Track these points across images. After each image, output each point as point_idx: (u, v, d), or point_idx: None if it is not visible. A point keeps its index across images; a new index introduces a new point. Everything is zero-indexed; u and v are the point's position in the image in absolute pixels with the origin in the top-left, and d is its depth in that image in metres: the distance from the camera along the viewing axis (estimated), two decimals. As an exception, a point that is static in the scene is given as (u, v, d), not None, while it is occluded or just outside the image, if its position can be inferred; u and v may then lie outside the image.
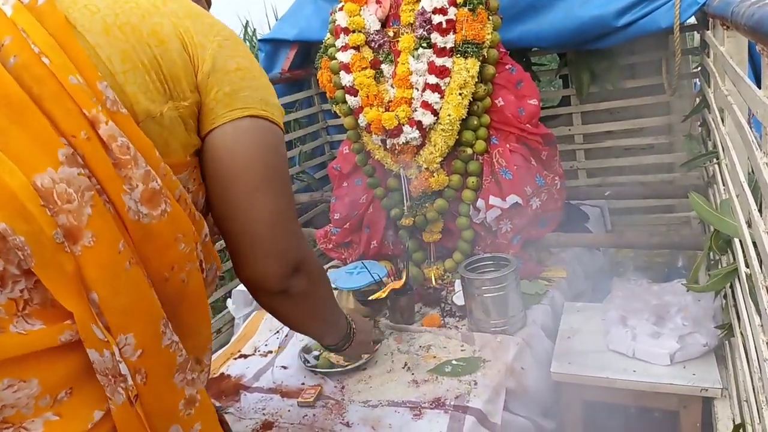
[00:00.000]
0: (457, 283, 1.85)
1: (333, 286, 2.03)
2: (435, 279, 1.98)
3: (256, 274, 0.79)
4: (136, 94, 0.69)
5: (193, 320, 0.75)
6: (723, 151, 1.46)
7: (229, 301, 2.25)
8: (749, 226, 1.02)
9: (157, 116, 0.70)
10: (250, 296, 2.10)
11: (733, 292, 1.26)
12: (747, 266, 1.02)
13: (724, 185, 1.41)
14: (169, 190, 0.69)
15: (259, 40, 2.91)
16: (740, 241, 1.11)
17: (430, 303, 1.91)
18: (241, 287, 2.15)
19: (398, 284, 1.78)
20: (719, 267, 1.37)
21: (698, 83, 2.24)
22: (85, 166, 0.62)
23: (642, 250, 2.26)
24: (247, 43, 5.45)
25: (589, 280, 2.12)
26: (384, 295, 1.78)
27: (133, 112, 0.68)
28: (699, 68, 2.18)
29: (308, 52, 2.76)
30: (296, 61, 2.78)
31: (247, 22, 5.58)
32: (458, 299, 1.80)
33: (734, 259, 1.19)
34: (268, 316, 1.99)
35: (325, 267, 2.27)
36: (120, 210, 0.64)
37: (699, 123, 2.21)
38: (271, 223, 0.76)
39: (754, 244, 0.95)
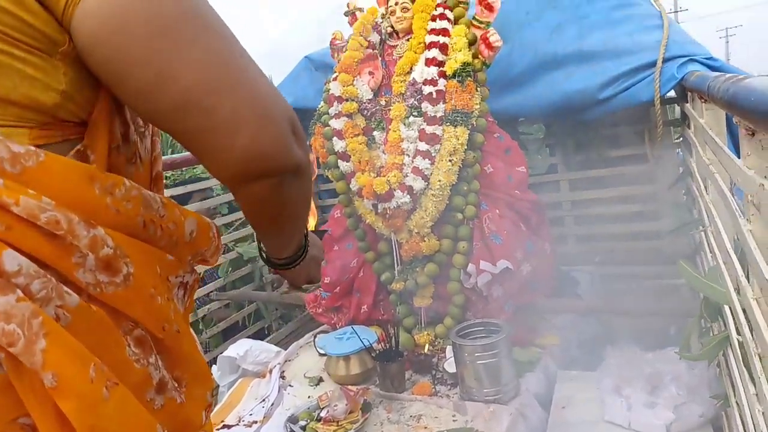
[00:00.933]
0: (449, 349, 1.82)
1: (322, 351, 1.99)
2: (426, 345, 1.94)
3: (250, 149, 0.53)
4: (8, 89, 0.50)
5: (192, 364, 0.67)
6: (708, 218, 1.48)
7: (213, 368, 2.18)
8: (738, 293, 1.02)
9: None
10: (236, 363, 2.05)
11: (726, 360, 1.24)
12: (739, 333, 1.01)
13: (711, 252, 1.42)
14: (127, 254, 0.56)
15: None
16: (730, 308, 1.11)
17: (420, 370, 1.87)
18: (227, 353, 2.10)
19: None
20: (711, 334, 1.36)
21: (681, 153, 2.32)
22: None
23: (634, 317, 2.25)
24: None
25: (582, 348, 2.09)
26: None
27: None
28: (681, 138, 2.26)
29: (302, 119, 2.82)
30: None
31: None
32: (450, 366, 1.77)
33: (726, 326, 1.19)
34: (255, 382, 1.93)
35: (315, 332, 2.23)
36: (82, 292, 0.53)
37: (684, 191, 2.26)
38: (221, 78, 0.52)
39: (744, 311, 0.95)
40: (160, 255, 0.61)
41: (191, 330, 0.71)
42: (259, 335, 2.68)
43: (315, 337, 2.14)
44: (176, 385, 0.63)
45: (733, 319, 1.07)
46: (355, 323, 2.04)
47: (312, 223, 1.43)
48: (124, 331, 0.58)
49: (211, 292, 2.49)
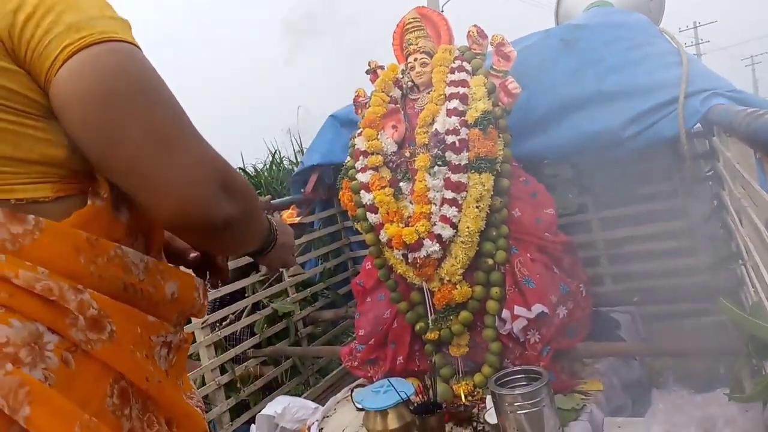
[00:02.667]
0: (488, 399, 1.77)
1: (359, 406, 1.97)
2: (465, 395, 1.90)
3: (177, 209, 0.62)
4: None
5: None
6: (746, 252, 1.45)
7: (252, 427, 2.18)
8: (784, 329, 0.99)
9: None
10: (274, 421, 2.04)
11: (781, 400, 1.19)
12: (789, 372, 0.97)
13: (753, 287, 1.38)
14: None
15: (292, 180, 3.11)
16: (778, 345, 1.07)
17: (461, 422, 1.83)
18: (265, 411, 2.10)
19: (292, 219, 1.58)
20: (763, 373, 1.30)
21: (713, 186, 2.28)
22: (8, 344, 0.57)
23: (680, 358, 2.16)
24: (275, 169, 5.76)
25: (628, 392, 2.01)
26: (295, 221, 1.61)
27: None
28: (711, 172, 2.23)
29: (331, 174, 2.90)
30: (320, 182, 2.92)
31: (276, 150, 5.94)
32: (490, 417, 1.72)
33: (776, 364, 1.14)
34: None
35: (351, 386, 2.21)
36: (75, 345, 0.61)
37: (720, 225, 2.21)
38: (157, 148, 0.60)
39: (792, 348, 0.92)
40: (141, 316, 0.69)
41: (178, 383, 0.77)
42: (297, 391, 2.67)
43: (352, 391, 2.11)
44: (164, 428, 0.70)
45: (783, 356, 1.03)
46: (391, 375, 2.01)
47: (290, 217, 1.46)
48: (113, 381, 0.65)
49: (248, 349, 2.50)
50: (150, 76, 0.63)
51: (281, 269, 1.05)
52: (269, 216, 0.89)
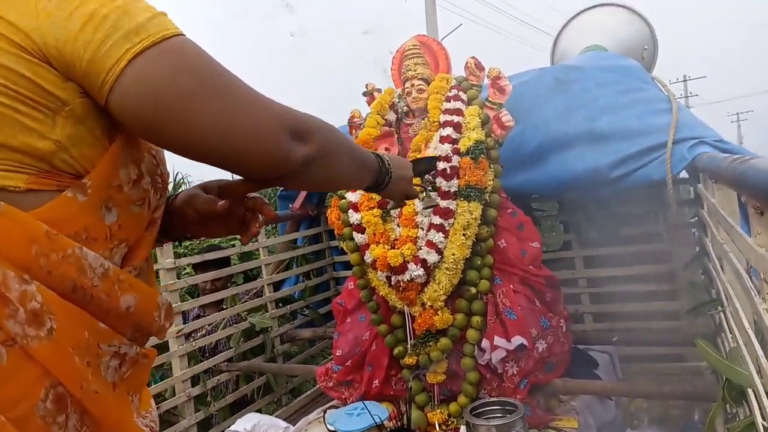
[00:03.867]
0: (463, 429, 1.75)
1: (331, 428, 1.94)
2: (439, 424, 1.88)
3: (260, 165, 0.70)
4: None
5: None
6: (726, 298, 1.46)
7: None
8: (760, 375, 0.99)
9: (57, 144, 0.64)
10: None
11: (754, 448, 1.18)
12: (764, 419, 0.98)
13: (731, 333, 1.39)
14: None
15: (279, 195, 3.11)
16: (754, 391, 1.07)
17: (432, 451, 1.80)
18: (234, 427, 2.05)
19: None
20: (737, 420, 1.31)
21: (696, 232, 2.31)
22: None
23: (655, 401, 2.16)
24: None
25: (602, 432, 2.00)
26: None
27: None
28: (695, 218, 2.26)
29: (320, 192, 2.90)
30: (308, 200, 2.92)
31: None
32: (463, 448, 1.70)
33: (750, 411, 1.14)
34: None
35: (325, 407, 2.17)
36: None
37: (701, 271, 2.23)
38: (230, 123, 0.66)
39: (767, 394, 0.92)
40: (90, 321, 0.67)
41: (128, 399, 0.73)
42: (268, 409, 2.62)
43: (325, 412, 2.08)
44: None
45: (758, 403, 1.04)
46: (366, 398, 1.98)
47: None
48: (50, 385, 0.62)
49: (221, 363, 2.45)
50: (205, 61, 0.67)
51: (404, 202, 1.08)
52: (379, 153, 0.95)
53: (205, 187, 0.88)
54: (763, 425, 1.00)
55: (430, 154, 1.93)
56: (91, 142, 0.67)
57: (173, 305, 2.15)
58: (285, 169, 0.72)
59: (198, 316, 2.65)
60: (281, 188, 3.09)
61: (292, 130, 0.72)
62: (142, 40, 0.63)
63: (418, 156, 1.98)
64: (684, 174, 2.12)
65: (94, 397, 0.65)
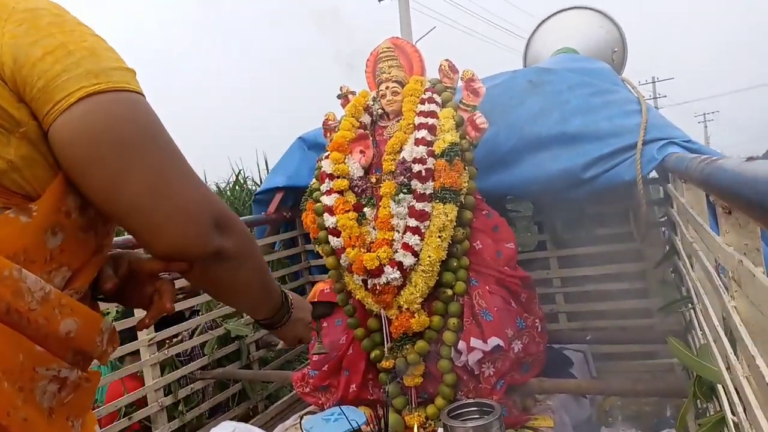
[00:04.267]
0: (440, 431, 1.75)
1: (308, 434, 1.92)
2: (417, 427, 1.88)
3: (174, 243, 0.69)
4: None
5: None
6: (696, 296, 1.49)
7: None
8: (729, 371, 1.01)
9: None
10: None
11: (724, 442, 1.21)
12: (733, 413, 1.00)
13: (701, 330, 1.42)
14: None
15: (253, 199, 3.06)
16: (723, 387, 1.10)
17: (411, 454, 1.79)
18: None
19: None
20: (707, 415, 1.33)
21: (666, 231, 2.36)
22: None
23: (629, 399, 2.20)
24: (239, 189, 5.69)
25: (578, 430, 2.02)
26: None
27: None
28: (665, 218, 2.31)
29: (295, 196, 2.88)
30: (283, 204, 2.89)
31: (240, 170, 5.88)
32: (441, 450, 1.70)
33: (720, 406, 1.16)
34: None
35: (301, 413, 2.15)
36: None
37: (671, 269, 2.28)
38: (160, 190, 0.67)
39: (736, 389, 0.94)
40: (27, 343, 0.64)
41: (68, 425, 0.69)
42: (244, 416, 2.58)
43: (301, 418, 2.06)
44: None
45: (727, 398, 1.06)
46: (343, 403, 1.97)
47: (319, 294, 1.43)
48: None
49: (195, 370, 2.41)
50: (154, 124, 0.69)
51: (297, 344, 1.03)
52: (285, 291, 0.93)
53: (116, 258, 0.84)
54: (732, 420, 1.02)
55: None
56: (44, 165, 0.67)
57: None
58: (196, 254, 0.71)
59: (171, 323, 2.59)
60: (256, 192, 3.06)
61: (217, 218, 0.72)
62: (101, 83, 0.64)
63: (394, 159, 1.97)
64: (654, 174, 2.16)
65: (22, 424, 0.62)
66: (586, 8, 3.31)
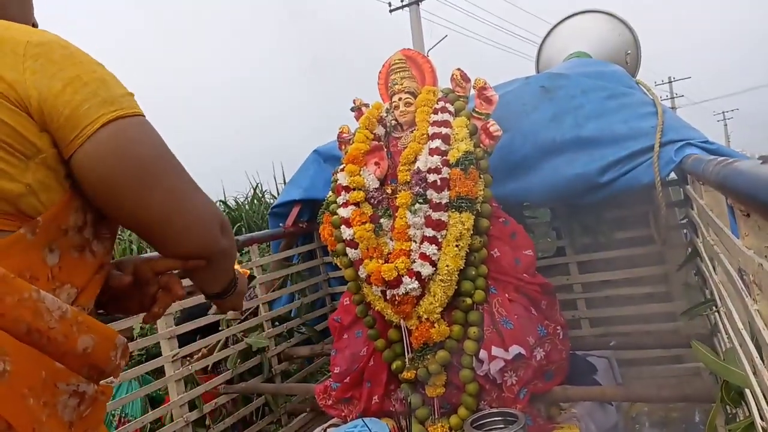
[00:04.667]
0: (463, 442, 1.74)
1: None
2: (440, 438, 1.87)
3: (194, 247, 0.79)
4: None
5: None
6: (720, 299, 1.47)
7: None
8: (756, 375, 1.00)
9: (24, 192, 0.68)
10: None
11: (755, 448, 1.18)
12: (762, 419, 0.98)
13: (726, 334, 1.39)
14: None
15: (270, 212, 3.09)
16: (751, 391, 1.07)
17: (435, 465, 1.78)
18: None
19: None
20: (737, 420, 1.30)
21: (687, 233, 2.32)
22: None
23: (656, 405, 2.16)
24: (257, 203, 5.74)
25: (604, 438, 1.99)
26: None
27: None
28: (686, 219, 2.28)
29: (312, 209, 2.90)
30: (300, 217, 2.91)
31: (257, 184, 5.94)
32: (465, 461, 1.69)
33: (750, 411, 1.14)
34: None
35: (324, 426, 2.16)
36: None
37: (694, 271, 2.24)
38: (178, 208, 0.75)
39: (764, 394, 0.92)
40: (47, 361, 0.67)
41: None
42: (267, 430, 2.59)
43: (325, 431, 2.06)
44: None
45: (755, 403, 1.04)
46: (366, 415, 1.97)
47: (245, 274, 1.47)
48: (4, 428, 0.60)
49: (219, 385, 2.43)
50: (164, 144, 0.76)
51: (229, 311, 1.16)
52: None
53: (119, 264, 0.89)
54: (761, 426, 1.00)
55: (419, 167, 1.94)
56: (58, 190, 0.72)
57: (169, 329, 2.15)
58: (211, 254, 0.82)
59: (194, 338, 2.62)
60: (273, 206, 3.09)
61: (221, 223, 0.83)
62: (117, 110, 0.71)
63: (409, 170, 1.98)
64: (673, 175, 2.14)
65: None
66: (598, 12, 3.30)
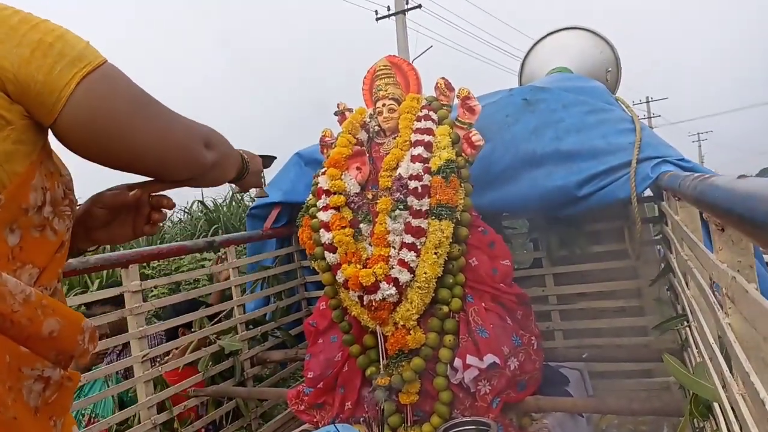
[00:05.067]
0: (435, 450, 1.74)
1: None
2: (412, 446, 1.86)
3: (183, 170, 0.84)
4: None
5: None
6: (691, 314, 1.49)
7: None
8: (725, 388, 1.01)
9: None
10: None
11: (721, 462, 1.20)
12: (729, 432, 0.99)
13: (697, 348, 1.42)
14: None
15: (248, 214, 3.06)
16: (719, 405, 1.09)
17: (406, 473, 1.77)
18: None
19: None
20: (704, 434, 1.33)
21: (661, 249, 2.37)
22: None
23: (626, 417, 2.19)
24: (235, 205, 5.68)
25: (574, 449, 2.01)
26: None
27: None
28: (660, 235, 2.32)
29: (291, 212, 2.88)
30: (279, 220, 2.89)
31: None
32: (436, 469, 1.68)
33: (717, 425, 1.16)
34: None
35: (296, 431, 2.13)
36: None
37: (666, 287, 2.28)
38: (162, 144, 0.79)
39: (732, 408, 0.94)
40: (10, 344, 0.66)
41: (50, 424, 0.71)
42: (237, 435, 2.55)
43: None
44: None
45: (723, 417, 1.05)
46: (338, 421, 1.95)
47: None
48: None
49: (189, 388, 2.39)
50: (132, 84, 0.78)
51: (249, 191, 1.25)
52: (241, 151, 1.11)
53: (111, 189, 0.93)
54: (729, 439, 1.01)
55: (401, 172, 1.94)
56: (21, 162, 0.72)
57: (140, 328, 2.11)
58: (199, 172, 0.87)
59: (167, 340, 2.58)
60: (251, 207, 3.06)
61: (205, 140, 0.87)
62: (85, 66, 0.73)
63: (391, 176, 1.98)
64: (648, 192, 2.18)
65: (12, 423, 0.64)
66: (580, 29, 3.36)
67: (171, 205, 0.97)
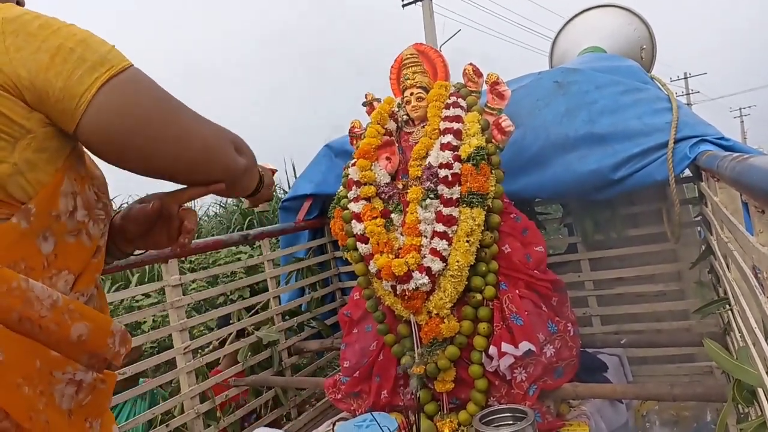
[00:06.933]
0: (472, 437, 1.74)
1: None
2: (448, 433, 1.87)
3: (216, 174, 0.81)
4: None
5: None
6: (733, 297, 1.45)
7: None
8: (769, 374, 0.98)
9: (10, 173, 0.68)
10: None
11: (767, 448, 1.17)
12: (775, 418, 0.97)
13: (739, 332, 1.38)
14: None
15: (280, 206, 3.10)
16: (764, 390, 1.06)
17: (443, 460, 1.79)
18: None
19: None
20: (749, 419, 1.29)
21: (701, 231, 2.30)
22: None
23: (667, 403, 2.14)
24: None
25: (614, 436, 1.98)
26: None
27: None
28: (700, 217, 2.25)
29: (323, 204, 2.91)
30: (311, 212, 2.92)
31: (268, 176, 5.96)
32: (474, 456, 1.69)
33: (762, 410, 1.13)
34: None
35: (333, 420, 2.17)
36: None
37: (708, 269, 2.22)
38: (189, 146, 0.76)
39: (777, 393, 0.91)
40: (42, 350, 0.67)
41: (86, 426, 0.72)
42: (277, 423, 2.61)
43: (333, 425, 2.07)
44: None
45: (768, 402, 1.03)
46: (375, 410, 1.98)
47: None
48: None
49: (230, 378, 2.45)
50: (157, 88, 0.75)
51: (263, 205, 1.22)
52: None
53: (143, 200, 0.91)
54: (774, 425, 0.99)
55: (431, 162, 1.94)
56: (45, 170, 0.71)
57: (180, 321, 2.17)
58: (232, 175, 0.84)
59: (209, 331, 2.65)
60: (283, 200, 3.10)
61: (235, 144, 0.84)
62: (108, 69, 0.70)
63: (421, 165, 1.98)
64: (687, 172, 2.11)
65: (44, 427, 0.64)
66: (613, 6, 3.26)
67: (194, 224, 0.92)
